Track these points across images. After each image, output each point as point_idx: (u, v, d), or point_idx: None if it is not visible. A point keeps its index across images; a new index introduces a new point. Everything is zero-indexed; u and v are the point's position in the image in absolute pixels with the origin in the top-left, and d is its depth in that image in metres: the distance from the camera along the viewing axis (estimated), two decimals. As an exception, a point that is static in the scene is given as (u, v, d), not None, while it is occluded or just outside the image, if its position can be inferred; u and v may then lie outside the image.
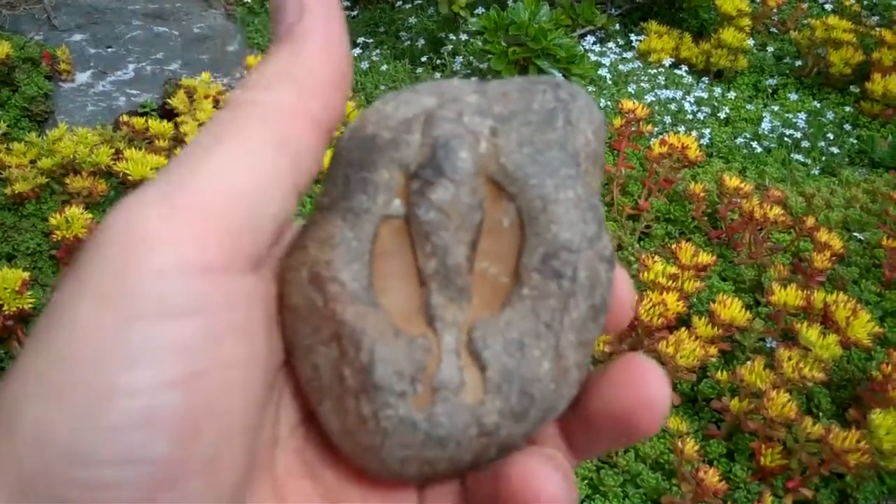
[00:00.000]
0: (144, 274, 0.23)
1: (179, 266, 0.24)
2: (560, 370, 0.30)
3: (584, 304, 0.30)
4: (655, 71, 2.15)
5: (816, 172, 1.87)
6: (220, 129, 0.26)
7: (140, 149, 1.58)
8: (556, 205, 0.30)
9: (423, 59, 2.24)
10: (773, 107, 2.09)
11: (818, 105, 2.11)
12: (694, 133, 1.88)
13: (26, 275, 1.32)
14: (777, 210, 1.44)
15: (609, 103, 1.94)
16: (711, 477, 1.04)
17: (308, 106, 0.27)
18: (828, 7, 2.57)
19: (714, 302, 1.25)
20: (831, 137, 1.96)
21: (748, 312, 1.25)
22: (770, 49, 2.34)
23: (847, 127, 2.03)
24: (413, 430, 0.29)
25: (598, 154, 0.33)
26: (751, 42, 2.24)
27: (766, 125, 1.98)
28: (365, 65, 2.25)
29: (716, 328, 1.22)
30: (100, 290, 0.23)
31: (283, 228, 0.28)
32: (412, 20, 2.48)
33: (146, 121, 1.66)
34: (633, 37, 2.31)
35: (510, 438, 0.30)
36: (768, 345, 1.29)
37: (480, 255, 0.31)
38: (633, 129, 1.63)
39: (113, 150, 1.57)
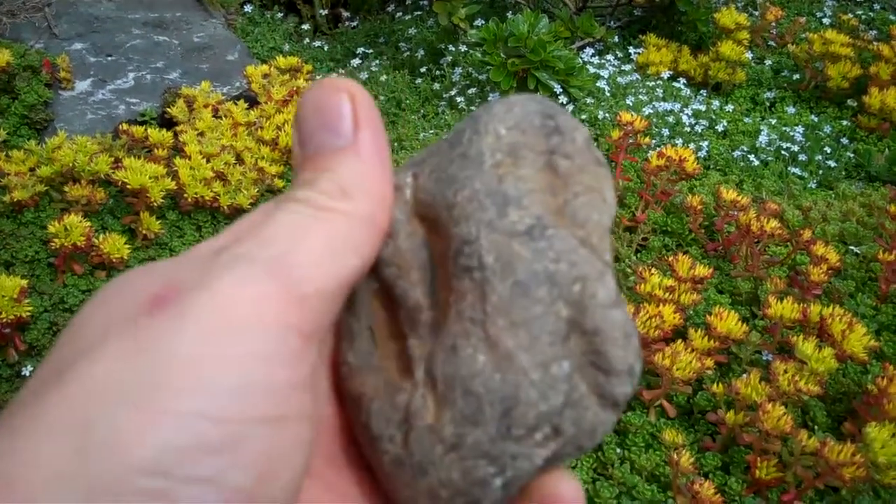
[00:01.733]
0: (250, 325, 0.26)
1: (280, 325, 0.27)
2: (500, 358, 0.29)
3: (503, 285, 0.30)
4: (654, 83, 2.16)
5: (813, 186, 1.87)
6: (303, 218, 0.29)
7: (139, 157, 1.58)
8: (454, 207, 0.32)
9: (423, 69, 2.25)
10: (770, 120, 2.10)
11: (815, 119, 2.12)
12: (691, 146, 1.88)
13: (24, 282, 1.32)
14: (774, 223, 1.45)
15: (607, 115, 1.95)
16: (707, 490, 1.04)
17: (377, 216, 0.31)
18: (826, 21, 2.58)
19: (710, 314, 1.26)
20: (828, 151, 1.97)
21: (744, 325, 1.25)
22: (768, 62, 2.35)
23: (844, 140, 2.04)
24: (402, 466, 0.31)
25: (520, 144, 0.32)
26: (749, 55, 2.24)
27: (763, 138, 1.98)
28: (364, 75, 2.26)
29: (712, 341, 1.22)
30: (205, 326, 0.25)
31: None
32: (412, 31, 2.49)
33: (145, 129, 1.67)
34: (631, 49, 2.32)
35: (491, 448, 0.30)
36: (764, 358, 1.29)
37: (441, 285, 0.32)
38: (630, 141, 1.64)
39: (112, 159, 1.58)
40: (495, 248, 0.30)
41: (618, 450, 1.19)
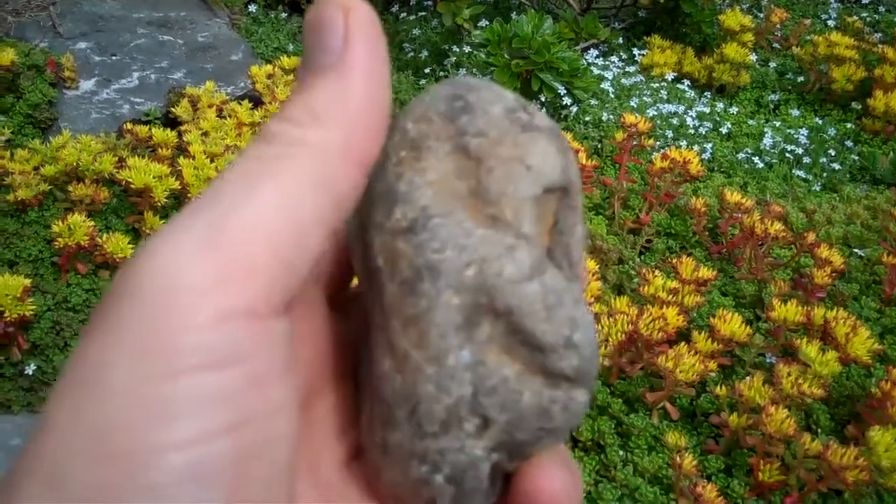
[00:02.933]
0: (185, 328, 0.23)
1: (220, 316, 0.24)
2: (399, 359, 0.29)
3: (392, 286, 0.29)
4: (658, 85, 2.16)
5: (817, 188, 1.87)
6: (261, 167, 0.26)
7: (143, 157, 1.58)
8: (365, 214, 0.31)
9: (427, 70, 2.25)
10: (774, 122, 2.10)
11: (820, 121, 2.12)
12: (696, 148, 1.88)
13: (28, 281, 1.32)
14: (778, 226, 1.45)
15: (611, 117, 1.95)
16: (709, 492, 1.04)
17: (355, 146, 0.27)
18: (830, 23, 2.58)
19: (714, 317, 1.25)
20: (833, 154, 1.97)
21: (748, 328, 1.25)
22: (772, 65, 2.35)
23: (848, 143, 2.04)
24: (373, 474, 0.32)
25: (424, 134, 0.31)
26: (753, 57, 2.24)
27: (767, 141, 1.98)
28: (368, 76, 2.25)
29: (715, 343, 1.22)
30: (137, 347, 0.23)
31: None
32: (416, 32, 2.49)
33: (150, 129, 1.67)
34: (636, 51, 2.32)
35: (414, 447, 0.30)
36: (768, 360, 1.29)
37: None
38: (634, 143, 1.64)
39: (116, 158, 1.58)
40: (384, 250, 0.30)
41: (621, 452, 1.19)
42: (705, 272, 1.33)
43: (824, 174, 1.91)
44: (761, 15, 2.54)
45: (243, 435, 0.24)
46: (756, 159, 1.91)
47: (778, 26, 2.42)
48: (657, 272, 1.33)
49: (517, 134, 0.31)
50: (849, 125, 2.10)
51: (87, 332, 0.24)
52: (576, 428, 0.31)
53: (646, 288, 1.30)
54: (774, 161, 1.93)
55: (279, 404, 0.25)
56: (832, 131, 2.06)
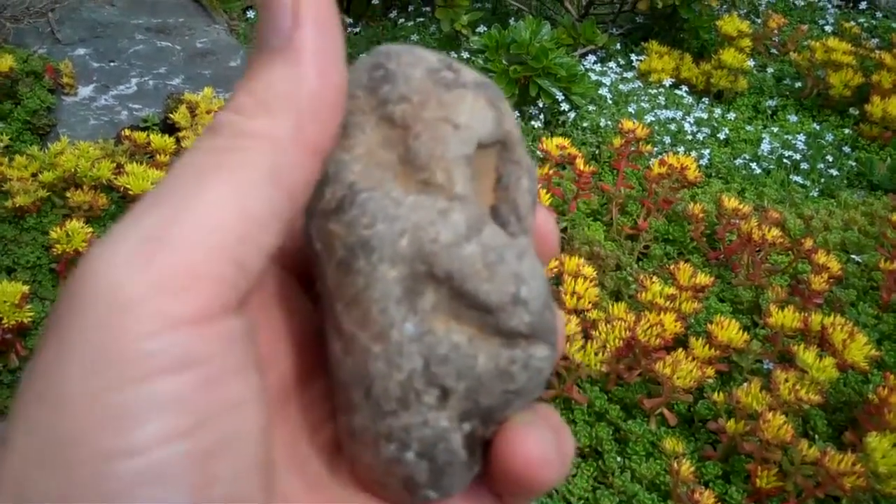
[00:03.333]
0: (132, 338, 0.23)
1: (168, 323, 0.23)
2: (346, 342, 0.29)
3: (330, 269, 0.29)
4: (656, 91, 2.16)
5: (815, 194, 1.87)
6: (209, 160, 0.25)
7: (141, 163, 1.58)
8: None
9: (425, 76, 2.25)
10: (772, 128, 2.10)
11: (817, 127, 2.12)
12: (693, 153, 1.88)
13: (26, 288, 1.32)
14: (775, 232, 1.45)
15: (609, 123, 1.95)
16: (707, 499, 1.04)
17: (307, 133, 0.26)
18: (828, 29, 2.59)
19: (711, 323, 1.26)
20: (830, 159, 1.97)
21: (745, 334, 1.25)
22: (770, 70, 2.35)
23: (846, 149, 2.04)
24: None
25: (350, 111, 0.30)
26: (751, 63, 2.25)
27: (765, 146, 1.98)
28: (366, 81, 2.26)
29: (713, 349, 1.22)
30: (85, 358, 0.23)
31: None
32: (414, 37, 2.49)
33: (148, 135, 1.67)
34: (633, 57, 2.32)
35: (377, 427, 0.29)
36: (765, 366, 1.29)
37: None
38: (632, 148, 1.64)
39: (114, 165, 1.58)
40: (319, 234, 0.29)
41: (618, 458, 1.19)
42: (703, 278, 1.33)
43: (822, 180, 1.92)
44: (759, 21, 2.55)
45: (203, 435, 0.24)
46: (754, 165, 1.92)
47: (775, 32, 2.43)
48: (655, 278, 1.33)
49: (442, 94, 0.30)
50: (846, 131, 2.11)
51: (40, 344, 0.24)
52: (544, 384, 0.30)
53: (643, 294, 1.30)
54: (772, 167, 1.94)
55: (239, 401, 0.25)
56: (830, 137, 2.06)
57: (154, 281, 0.23)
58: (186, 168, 0.25)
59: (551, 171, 1.59)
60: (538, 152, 1.57)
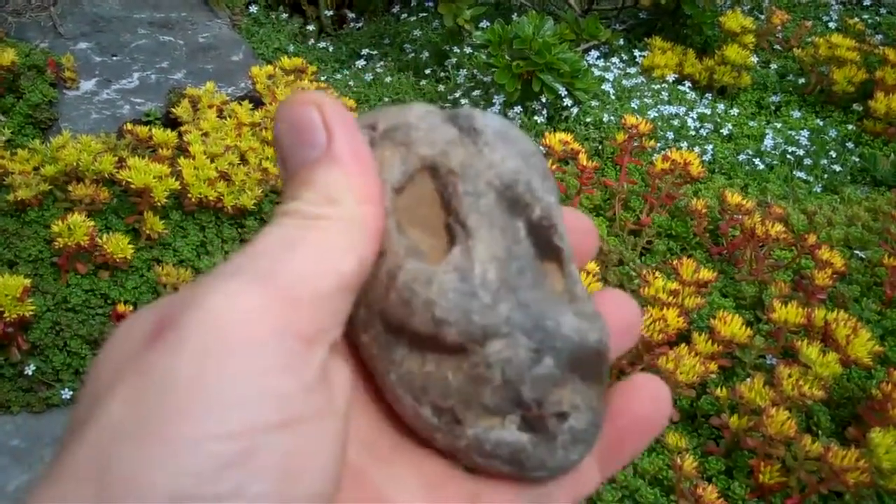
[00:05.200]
0: (245, 337, 0.26)
1: (276, 332, 0.27)
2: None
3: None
4: (659, 86, 2.16)
5: (818, 190, 1.87)
6: (295, 233, 0.29)
7: (143, 157, 1.58)
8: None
9: (428, 71, 2.25)
10: (775, 124, 2.10)
11: (821, 123, 2.11)
12: (696, 149, 1.88)
13: (27, 282, 1.32)
14: (778, 227, 1.44)
15: (612, 118, 1.95)
16: (710, 494, 1.04)
17: (369, 217, 0.30)
18: (832, 25, 2.58)
19: (714, 318, 1.25)
20: (833, 155, 1.96)
21: (748, 329, 1.25)
22: (773, 66, 2.35)
23: (849, 145, 2.03)
24: None
25: None
26: (754, 59, 2.24)
27: (768, 142, 1.98)
28: (369, 77, 2.26)
29: (716, 345, 1.22)
30: (200, 346, 0.26)
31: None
32: (417, 33, 2.49)
33: (150, 129, 1.67)
34: (636, 52, 2.32)
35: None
36: (768, 362, 1.29)
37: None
38: (635, 144, 1.64)
39: (116, 159, 1.58)
40: None
41: (621, 453, 1.19)
42: (706, 274, 1.33)
43: (825, 176, 1.91)
44: (762, 16, 2.54)
45: (296, 433, 0.26)
46: (757, 161, 1.91)
47: (779, 28, 2.42)
48: (658, 274, 1.33)
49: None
50: (850, 127, 2.10)
51: (143, 347, 0.27)
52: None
53: (646, 289, 1.29)
54: (775, 163, 1.93)
55: (326, 411, 0.28)
56: (833, 133, 2.06)
57: (270, 302, 0.27)
58: (273, 237, 0.29)
59: (554, 167, 1.59)
60: (541, 147, 1.57)
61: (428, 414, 0.31)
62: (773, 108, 2.20)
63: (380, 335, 0.32)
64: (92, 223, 1.43)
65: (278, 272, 0.28)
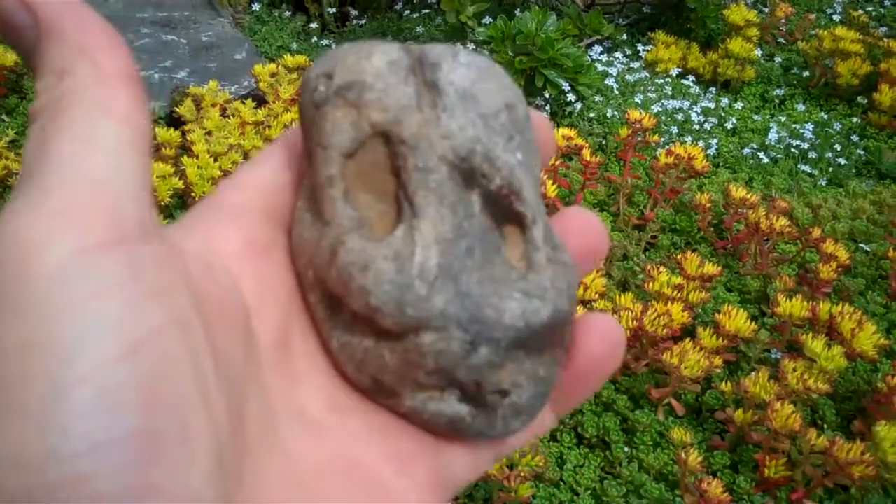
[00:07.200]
0: (43, 272, 0.23)
1: (74, 252, 0.23)
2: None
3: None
4: (662, 81, 2.15)
5: (823, 183, 1.86)
6: (42, 137, 0.26)
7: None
8: None
9: (431, 68, 2.24)
10: (780, 117, 2.09)
11: (825, 116, 2.11)
12: (700, 143, 1.87)
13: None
14: (783, 221, 1.44)
15: (616, 113, 1.94)
16: (715, 488, 1.04)
17: (105, 64, 0.28)
18: (836, 18, 2.57)
19: (719, 313, 1.25)
20: (838, 148, 1.96)
21: (753, 323, 1.24)
22: (778, 60, 2.34)
23: (854, 138, 2.03)
24: None
25: None
26: (758, 52, 2.23)
27: (773, 136, 1.97)
28: (372, 74, 2.25)
29: (721, 339, 1.22)
30: (6, 308, 0.23)
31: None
32: (420, 29, 2.49)
33: (153, 128, 1.66)
34: (640, 47, 2.31)
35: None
36: (773, 356, 1.29)
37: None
38: (639, 139, 1.63)
39: (120, 158, 1.58)
40: None
41: (626, 448, 1.19)
42: (710, 268, 1.33)
43: (830, 169, 1.91)
44: (766, 10, 2.53)
45: (139, 357, 0.24)
46: (761, 154, 1.91)
47: (783, 21, 2.41)
48: (662, 268, 1.33)
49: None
50: (854, 120, 2.09)
51: None
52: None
53: (650, 284, 1.29)
54: (780, 156, 1.93)
55: (165, 325, 0.25)
56: (838, 126, 2.05)
57: (53, 220, 0.24)
58: (28, 153, 0.26)
59: (558, 162, 1.59)
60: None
61: (368, 383, 0.31)
62: (777, 101, 2.19)
63: (322, 302, 0.31)
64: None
65: (47, 188, 0.24)
